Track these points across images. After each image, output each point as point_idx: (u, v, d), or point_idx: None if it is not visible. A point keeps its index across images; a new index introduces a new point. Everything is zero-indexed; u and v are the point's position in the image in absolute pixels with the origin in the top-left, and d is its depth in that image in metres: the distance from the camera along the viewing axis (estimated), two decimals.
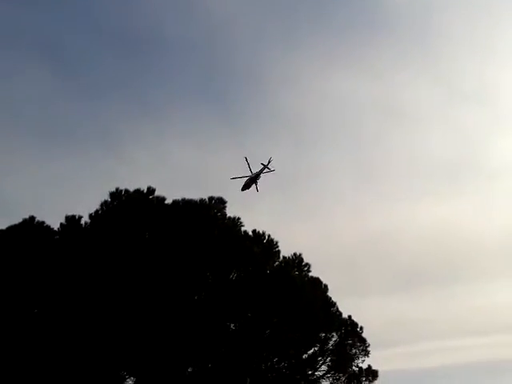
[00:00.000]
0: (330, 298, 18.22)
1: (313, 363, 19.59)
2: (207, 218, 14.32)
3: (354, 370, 19.39)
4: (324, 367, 19.54)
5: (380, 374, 20.10)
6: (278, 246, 16.13)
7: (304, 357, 19.57)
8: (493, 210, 66.96)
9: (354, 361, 19.25)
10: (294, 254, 16.86)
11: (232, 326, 18.73)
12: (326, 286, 17.92)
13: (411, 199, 68.37)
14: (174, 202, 15.04)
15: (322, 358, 19.37)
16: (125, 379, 18.21)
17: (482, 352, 66.84)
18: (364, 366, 19.28)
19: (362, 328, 18.86)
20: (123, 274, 14.98)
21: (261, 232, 15.78)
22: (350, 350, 19.07)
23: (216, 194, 15.17)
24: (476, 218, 67.46)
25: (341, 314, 18.61)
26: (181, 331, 16.24)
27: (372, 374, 19.25)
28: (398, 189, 70.10)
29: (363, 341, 18.92)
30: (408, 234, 66.00)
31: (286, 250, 17.16)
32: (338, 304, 18.83)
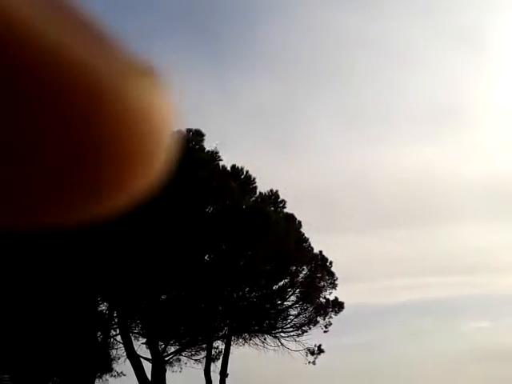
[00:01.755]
0: (303, 234, 18.26)
1: (283, 294, 19.95)
2: (184, 150, 13.66)
3: (321, 302, 19.88)
4: (293, 298, 19.98)
5: (346, 306, 20.77)
6: (255, 182, 15.78)
7: (274, 288, 19.89)
8: (474, 156, 67.88)
9: (321, 293, 19.70)
10: (271, 191, 16.58)
11: (206, 257, 18.70)
12: (299, 222, 17.87)
13: (395, 142, 68.54)
14: None
15: (292, 289, 19.71)
16: (98, 305, 18.19)
17: (444, 290, 70.25)
18: (331, 297, 19.79)
19: (331, 263, 19.14)
20: None
21: (239, 167, 15.30)
22: (319, 282, 19.43)
23: (194, 127, 14.52)
24: (457, 164, 68.42)
25: (312, 249, 18.76)
26: (155, 259, 16.00)
27: (338, 305, 19.77)
28: (383, 131, 69.92)
29: (332, 275, 19.26)
30: (388, 176, 66.67)
31: (263, 187, 16.89)
32: (311, 240, 18.98)
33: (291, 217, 17.16)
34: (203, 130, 14.55)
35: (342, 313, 20.04)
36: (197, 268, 17.89)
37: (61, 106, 0.15)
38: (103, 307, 18.48)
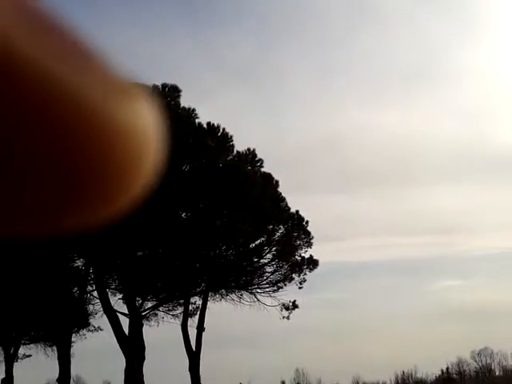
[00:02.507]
0: (280, 194, 18.18)
1: (259, 252, 20.04)
2: (160, 105, 13.21)
3: (296, 259, 20.07)
4: (269, 256, 20.10)
5: (321, 264, 21.03)
6: (232, 140, 15.46)
7: (251, 246, 19.95)
8: (445, 118, 68.10)
9: (297, 251, 19.85)
10: (248, 150, 16.31)
11: (183, 215, 18.56)
12: (277, 181, 17.75)
13: (373, 103, 68.16)
14: None
15: (268, 247, 19.81)
16: (73, 261, 18.04)
17: (416, 250, 71.88)
18: (306, 256, 19.97)
19: (307, 222, 19.19)
20: None
21: (215, 125, 14.92)
22: (295, 241, 19.54)
23: (170, 82, 14.01)
24: (435, 126, 68.62)
25: (289, 208, 18.74)
26: (131, 216, 15.74)
27: (313, 262, 20.00)
28: (358, 93, 69.43)
29: (307, 233, 19.36)
30: (365, 137, 66.69)
31: (240, 145, 16.62)
32: (288, 199, 18.94)
33: (268, 176, 17.01)
34: (180, 86, 14.09)
35: (316, 270, 20.32)
36: (174, 225, 17.78)
37: (48, 124, 0.16)
38: (79, 263, 18.38)
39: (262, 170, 16.84)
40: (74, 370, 21.00)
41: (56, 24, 0.17)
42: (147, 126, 0.19)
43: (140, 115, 0.19)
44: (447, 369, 52.13)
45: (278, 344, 59.72)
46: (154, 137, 0.19)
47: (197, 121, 14.46)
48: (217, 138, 14.80)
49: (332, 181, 69.71)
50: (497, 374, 50.69)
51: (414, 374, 40.75)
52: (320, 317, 64.65)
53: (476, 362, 52.87)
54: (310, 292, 58.19)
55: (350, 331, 62.39)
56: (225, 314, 31.74)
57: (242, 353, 59.30)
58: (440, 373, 50.72)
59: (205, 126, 14.72)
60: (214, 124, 14.81)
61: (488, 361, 53.07)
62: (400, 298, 67.86)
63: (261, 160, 16.54)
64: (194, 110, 14.18)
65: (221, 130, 14.96)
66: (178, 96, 13.85)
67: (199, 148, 14.40)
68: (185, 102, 14.49)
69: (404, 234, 72.34)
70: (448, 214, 69.87)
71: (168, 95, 13.54)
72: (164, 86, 13.63)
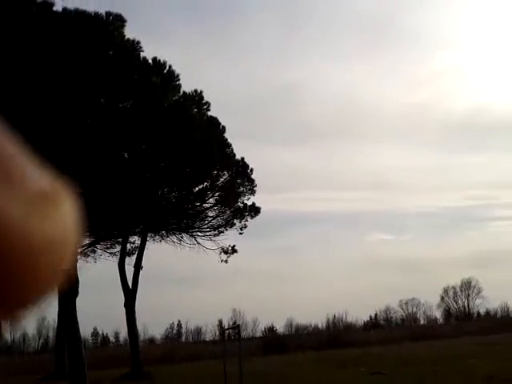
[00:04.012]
0: (226, 139, 17.74)
1: (202, 196, 19.78)
2: (102, 34, 12.24)
3: (239, 206, 19.98)
4: (212, 200, 19.89)
5: (264, 213, 21.09)
6: (179, 79, 14.68)
7: (194, 190, 19.63)
8: (402, 78, 68.21)
9: (240, 198, 19.73)
10: (195, 91, 15.60)
11: (126, 154, 17.87)
12: (223, 127, 17.25)
13: (330, 54, 67.12)
14: (65, 10, 12.56)
15: (212, 192, 19.56)
16: None
17: (354, 204, 73.66)
18: (249, 203, 19.91)
19: (251, 170, 18.99)
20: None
21: (162, 61, 14.06)
22: (239, 188, 19.36)
23: (114, 11, 12.89)
24: (385, 84, 68.73)
25: (235, 155, 18.41)
26: (72, 151, 14.98)
27: (255, 210, 19.99)
28: (322, 43, 68.07)
29: (251, 181, 19.21)
30: (319, 91, 66.12)
31: (188, 86, 15.83)
32: (235, 147, 18.55)
33: (215, 120, 16.47)
34: (125, 16, 13.03)
35: (260, 218, 20.37)
36: (115, 163, 17.11)
37: None
38: None
39: (209, 113, 16.26)
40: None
41: None
42: (65, 231, 0.19)
43: (58, 223, 0.19)
44: (375, 315, 55.31)
45: (217, 285, 60.97)
46: (71, 241, 0.19)
47: (141, 55, 13.57)
48: (162, 76, 14.00)
49: (282, 132, 69.55)
50: (421, 322, 54.22)
51: (344, 318, 42.84)
52: (259, 261, 66.20)
53: (403, 310, 56.28)
54: (251, 238, 59.14)
55: (287, 276, 64.55)
56: (165, 254, 31.79)
57: (180, 292, 60.19)
58: (368, 318, 53.75)
59: (150, 61, 13.85)
60: (159, 60, 13.94)
61: (414, 310, 56.59)
62: (337, 247, 70.42)
63: (208, 103, 15.92)
64: (138, 42, 13.26)
65: (167, 67, 14.14)
66: (123, 26, 12.85)
67: (142, 85, 13.60)
68: (131, 34, 13.50)
69: (345, 188, 74.04)
70: (389, 172, 71.67)
71: (111, 24, 12.55)
72: (108, 14, 12.59)
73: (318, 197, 70.36)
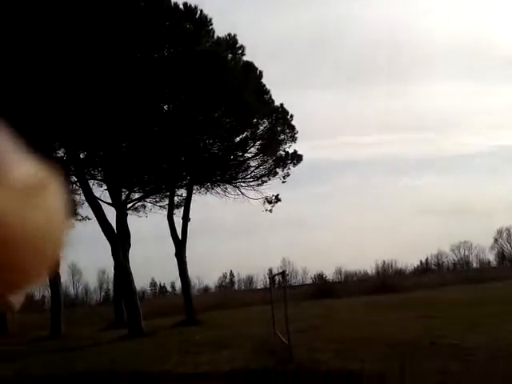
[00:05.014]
0: (264, 85, 17.06)
1: (244, 146, 19.43)
2: None
3: (280, 154, 19.52)
4: (254, 150, 19.51)
5: (307, 160, 20.53)
6: (211, 24, 14.02)
7: (236, 140, 19.28)
8: (451, 10, 63.62)
9: (281, 145, 19.23)
10: (229, 35, 14.92)
11: (165, 107, 17.65)
12: (260, 72, 16.54)
13: None
14: None
15: (253, 141, 19.15)
16: (55, 150, 17.43)
17: (398, 147, 70.95)
18: (290, 150, 19.40)
19: (292, 116, 18.34)
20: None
21: (192, 6, 13.43)
22: (279, 135, 18.83)
23: None
24: (428, 20, 64.41)
25: (273, 101, 17.76)
26: (112, 107, 14.89)
27: (297, 157, 19.48)
28: None
29: (292, 128, 18.59)
30: (362, 32, 62.90)
31: (222, 31, 15.14)
32: (273, 93, 17.87)
33: (250, 65, 15.78)
34: None
35: (303, 166, 19.87)
36: (156, 117, 16.96)
37: None
38: (61, 153, 17.80)
39: (244, 58, 15.56)
40: (68, 257, 21.39)
41: None
42: (55, 217, 0.20)
43: (48, 209, 0.20)
44: (426, 260, 54.33)
45: (267, 235, 61.54)
46: (61, 226, 0.20)
47: (172, 0, 12.97)
48: (194, 22, 13.40)
49: (322, 76, 67.02)
50: (474, 266, 52.84)
51: (394, 264, 42.27)
52: (306, 210, 65.90)
53: (455, 254, 54.90)
54: (296, 187, 58.69)
55: (335, 224, 64.08)
56: (212, 205, 32.04)
57: (232, 243, 61.26)
58: (419, 263, 52.88)
59: (181, 7, 13.24)
60: (190, 5, 13.32)
61: (466, 253, 55.07)
62: (385, 193, 68.76)
63: (242, 47, 15.20)
64: None
65: (199, 12, 13.50)
66: None
67: (175, 32, 13.09)
68: None
69: (391, 131, 71.30)
70: (438, 112, 68.25)
71: None
72: None
73: (362, 141, 68.40)
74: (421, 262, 53.41)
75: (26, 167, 0.21)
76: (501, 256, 54.88)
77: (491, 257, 55.25)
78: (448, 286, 26.24)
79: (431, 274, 43.26)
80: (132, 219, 21.58)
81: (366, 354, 7.71)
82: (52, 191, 0.22)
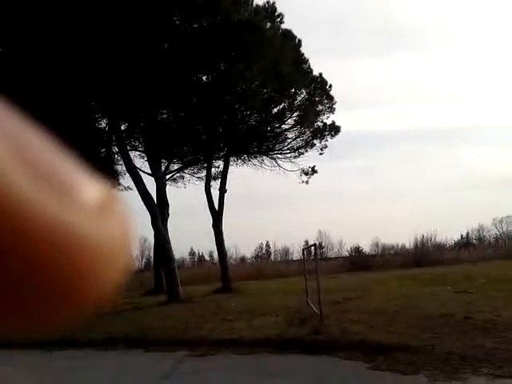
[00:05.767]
0: (303, 54, 16.73)
1: (281, 117, 19.29)
2: None
3: (318, 125, 19.26)
4: (291, 121, 19.35)
5: (346, 131, 20.19)
6: None
7: (273, 112, 19.16)
8: None
9: (319, 116, 18.95)
10: (267, 2, 14.62)
11: (204, 78, 17.65)
12: (299, 40, 16.19)
13: None
14: None
15: (290, 112, 18.96)
16: (97, 121, 17.85)
17: (447, 117, 68.50)
18: (328, 121, 19.09)
19: (330, 86, 17.96)
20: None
21: None
22: (317, 106, 18.53)
23: None
24: None
25: (312, 71, 17.41)
26: (152, 78, 15.03)
27: (335, 129, 19.18)
28: None
29: (331, 98, 18.24)
30: None
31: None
32: (312, 62, 17.50)
33: (289, 34, 15.46)
34: None
35: (342, 138, 19.56)
36: (195, 88, 17.01)
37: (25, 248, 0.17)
38: (103, 124, 18.22)
39: (283, 26, 15.25)
40: None
41: (30, 142, 0.19)
42: (122, 235, 0.21)
43: (115, 228, 0.20)
44: (467, 234, 52.96)
45: (304, 207, 61.35)
46: (127, 243, 0.21)
47: None
48: None
49: (363, 43, 64.78)
50: None
51: (433, 238, 41.40)
52: (344, 183, 65.13)
53: (497, 228, 53.22)
54: (334, 159, 57.78)
55: (373, 197, 63.12)
56: (250, 177, 32.13)
57: (269, 215, 61.52)
58: (459, 238, 51.63)
59: None
60: None
61: (509, 228, 53.27)
62: (426, 165, 66.86)
63: (281, 15, 14.88)
64: None
65: None
66: None
67: (212, 2, 12.95)
68: None
69: (435, 99, 68.75)
70: (483, 80, 64.97)
71: None
72: None
73: (405, 111, 66.29)
74: (461, 236, 52.16)
75: (92, 186, 0.22)
76: None
77: None
78: (488, 262, 25.60)
79: (471, 248, 42.17)
80: (172, 190, 22.00)
81: (397, 326, 7.69)
82: (118, 208, 0.22)
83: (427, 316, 8.33)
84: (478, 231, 53.10)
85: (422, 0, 60.59)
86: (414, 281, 16.30)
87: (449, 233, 57.85)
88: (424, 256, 29.73)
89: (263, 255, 51.58)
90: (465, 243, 49.58)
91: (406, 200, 62.15)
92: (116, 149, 18.87)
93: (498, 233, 53.28)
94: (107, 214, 0.21)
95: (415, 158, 66.43)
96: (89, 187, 0.21)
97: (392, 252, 41.45)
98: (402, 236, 62.60)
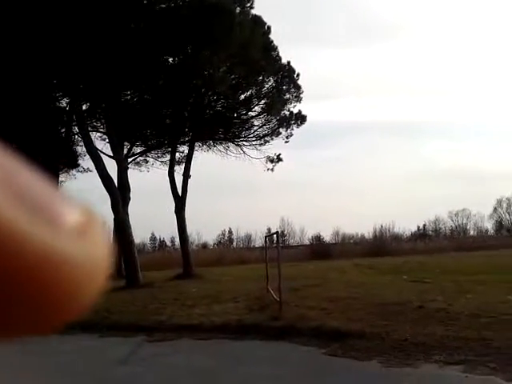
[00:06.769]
0: (272, 41, 16.66)
1: (248, 104, 19.21)
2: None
3: (285, 114, 19.30)
4: (258, 109, 19.30)
5: (311, 122, 20.31)
6: None
7: (240, 98, 19.05)
8: None
9: (286, 105, 18.98)
10: None
11: (170, 60, 17.33)
12: (269, 27, 16.10)
13: None
14: None
15: (257, 100, 18.91)
16: (57, 99, 17.27)
17: (409, 111, 69.99)
18: (295, 110, 19.16)
19: (298, 75, 18.00)
20: None
21: None
22: (285, 94, 18.56)
23: None
24: None
25: (280, 58, 17.38)
26: (116, 57, 14.62)
27: (301, 118, 19.28)
28: None
29: (298, 87, 18.29)
30: None
31: None
32: (280, 49, 17.44)
33: (259, 20, 15.35)
34: None
35: (307, 128, 19.68)
36: (160, 69, 16.68)
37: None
38: (63, 103, 17.64)
39: (253, 12, 15.12)
40: None
41: (12, 170, 0.20)
42: (99, 256, 0.21)
43: (93, 250, 0.21)
44: (424, 225, 54.69)
45: (267, 195, 61.76)
46: (104, 264, 0.22)
47: None
48: None
49: (331, 33, 65.18)
50: (471, 233, 53.18)
51: (391, 228, 42.61)
52: (307, 172, 65.83)
53: (452, 221, 55.20)
54: (300, 148, 58.29)
55: (335, 187, 64.15)
56: (215, 163, 32.03)
57: (232, 201, 61.59)
58: (416, 229, 53.27)
59: None
60: None
61: (465, 221, 55.34)
62: (388, 157, 68.37)
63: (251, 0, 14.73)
64: None
65: None
66: None
67: None
68: None
69: (399, 93, 70.10)
70: (444, 76, 66.73)
71: None
72: None
73: (368, 103, 67.34)
74: (418, 227, 53.81)
75: (70, 208, 0.22)
76: (498, 225, 55.19)
77: (489, 225, 55.58)
78: (443, 253, 26.55)
79: (428, 239, 43.63)
80: (134, 174, 21.58)
81: (354, 313, 7.89)
82: (96, 230, 0.23)
83: (383, 304, 8.58)
84: (435, 223, 54.97)
85: None
86: (371, 270, 16.73)
87: (407, 224, 59.44)
88: (382, 246, 30.56)
89: (226, 242, 51.66)
90: (421, 234, 51.23)
91: (368, 191, 63.52)
92: (76, 129, 18.34)
93: (453, 225, 55.33)
94: (85, 234, 0.22)
95: (378, 150, 67.82)
96: (67, 207, 0.22)
97: (352, 241, 42.37)
98: (363, 226, 63.87)
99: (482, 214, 53.97)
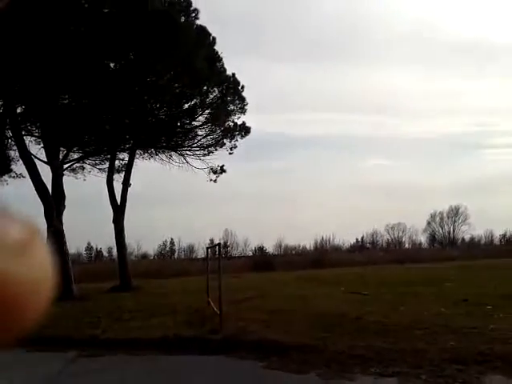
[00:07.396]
0: (217, 52, 16.66)
1: (192, 114, 19.04)
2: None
3: (229, 125, 19.32)
4: (202, 118, 19.18)
5: (257, 134, 20.45)
6: None
7: (184, 107, 18.86)
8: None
9: (230, 116, 19.02)
10: None
11: (112, 65, 16.88)
12: (214, 38, 16.10)
13: None
14: None
15: (201, 109, 18.81)
16: None
17: (348, 127, 72.41)
18: (239, 122, 19.24)
19: (243, 87, 18.11)
20: None
21: None
22: (229, 106, 18.59)
23: None
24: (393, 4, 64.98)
25: (225, 70, 17.40)
26: (53, 60, 14.05)
27: (245, 129, 19.38)
28: None
29: (242, 99, 18.39)
30: (322, 9, 62.56)
31: None
32: (226, 61, 17.48)
33: (204, 30, 15.34)
34: None
35: (253, 140, 19.79)
36: (101, 74, 16.20)
37: None
38: None
39: (198, 22, 15.08)
40: None
41: None
42: (42, 273, 0.23)
43: (35, 266, 0.22)
44: (362, 238, 56.51)
45: (211, 206, 61.44)
46: (48, 281, 0.23)
47: None
48: None
49: (279, 48, 66.50)
50: (406, 246, 55.53)
51: (331, 240, 43.64)
52: (251, 183, 66.29)
53: (389, 234, 57.43)
54: (242, 160, 58.59)
55: (278, 198, 64.99)
56: (156, 172, 31.46)
57: (174, 212, 60.73)
58: (355, 241, 54.96)
59: None
60: None
61: (400, 234, 57.71)
62: (329, 171, 70.29)
63: (196, 10, 14.70)
64: None
65: None
66: None
67: None
68: None
69: (343, 110, 72.42)
70: (388, 96, 69.83)
71: None
72: None
73: (314, 118, 69.07)
74: (356, 239, 55.53)
75: (10, 225, 0.22)
76: (432, 238, 58.02)
77: (423, 239, 58.29)
78: (380, 265, 27.46)
79: (365, 251, 45.07)
80: (70, 181, 20.74)
81: (293, 326, 7.94)
82: (37, 247, 0.23)
83: (322, 316, 8.70)
84: (372, 236, 56.97)
85: (337, 19, 63.48)
86: (311, 282, 16.98)
87: (346, 236, 61.20)
88: (322, 257, 31.17)
89: (167, 252, 50.71)
90: (359, 246, 52.88)
91: (311, 203, 64.82)
92: (10, 133, 17.41)
93: (389, 238, 57.54)
94: (28, 251, 0.22)
95: (322, 164, 69.54)
96: (9, 225, 0.21)
97: (294, 252, 42.95)
98: (305, 238, 64.97)
99: (416, 227, 56.58)
